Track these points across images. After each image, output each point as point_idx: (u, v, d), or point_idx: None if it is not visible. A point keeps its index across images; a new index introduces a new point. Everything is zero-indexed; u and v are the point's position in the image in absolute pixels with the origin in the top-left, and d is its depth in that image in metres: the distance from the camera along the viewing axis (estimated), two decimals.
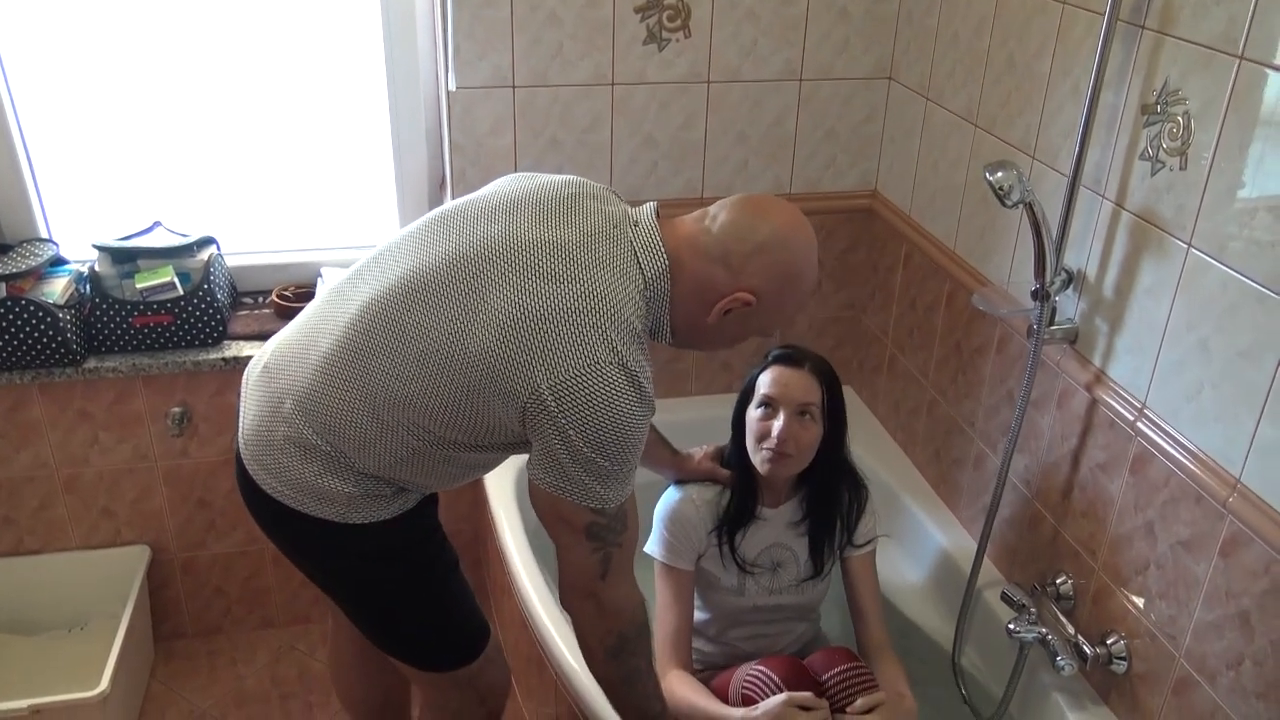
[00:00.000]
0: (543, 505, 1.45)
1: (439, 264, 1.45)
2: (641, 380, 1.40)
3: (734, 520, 1.88)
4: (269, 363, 1.57)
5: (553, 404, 1.36)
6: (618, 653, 1.53)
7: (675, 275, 1.46)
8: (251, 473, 1.54)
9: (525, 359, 1.37)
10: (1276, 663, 1.39)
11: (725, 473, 1.91)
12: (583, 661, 1.80)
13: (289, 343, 1.56)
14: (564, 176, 1.56)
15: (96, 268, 2.29)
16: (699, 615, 1.96)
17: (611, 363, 1.37)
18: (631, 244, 1.45)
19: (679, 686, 1.77)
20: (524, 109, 2.23)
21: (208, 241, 2.39)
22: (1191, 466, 1.53)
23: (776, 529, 1.90)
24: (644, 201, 1.54)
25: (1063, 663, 1.74)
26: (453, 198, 2.27)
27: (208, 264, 2.32)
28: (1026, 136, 1.88)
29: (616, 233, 1.46)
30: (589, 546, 1.45)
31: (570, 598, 1.51)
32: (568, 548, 1.47)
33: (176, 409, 2.35)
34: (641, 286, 1.44)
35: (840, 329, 2.63)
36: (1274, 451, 1.39)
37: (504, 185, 1.57)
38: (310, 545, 1.59)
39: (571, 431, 1.36)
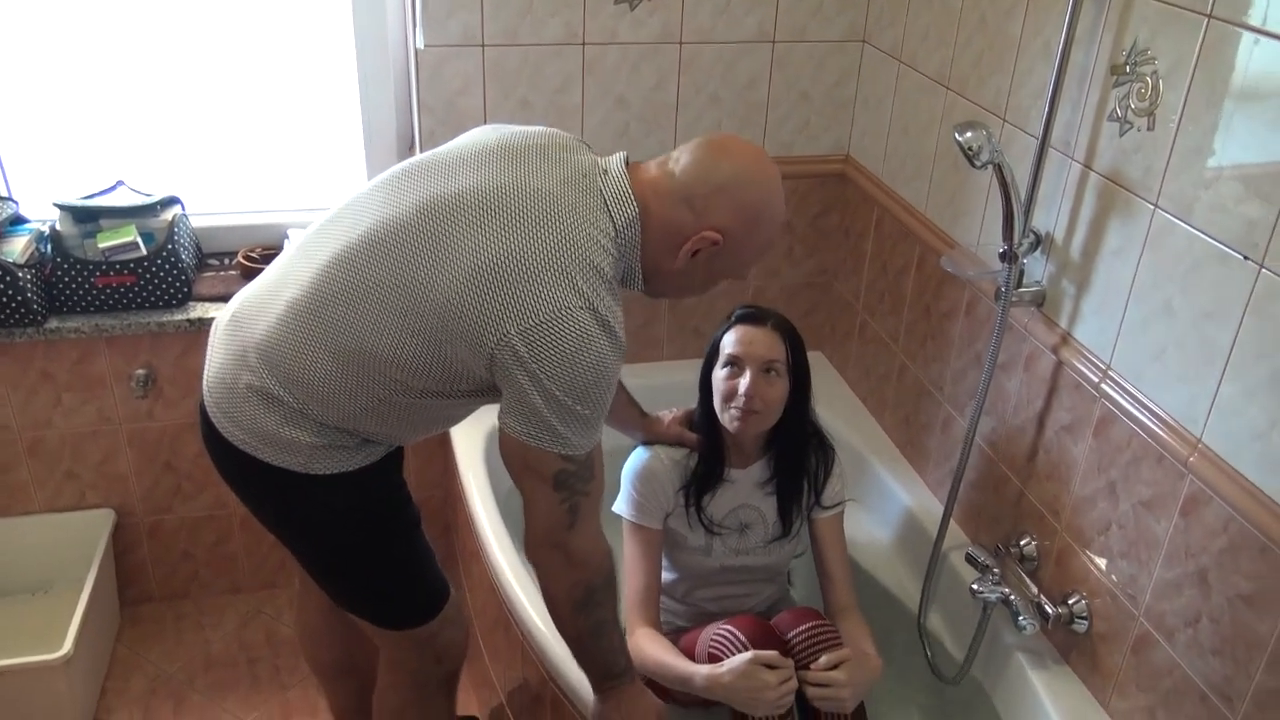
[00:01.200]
0: (511, 454, 1.44)
1: (408, 214, 1.44)
2: (612, 323, 1.40)
3: (701, 482, 1.88)
4: (236, 313, 1.56)
5: (523, 349, 1.36)
6: (584, 605, 1.52)
7: (644, 222, 1.46)
8: (214, 420, 1.53)
9: (493, 306, 1.36)
10: (1233, 619, 1.41)
11: (694, 436, 1.91)
12: (549, 624, 1.80)
13: (257, 295, 1.55)
14: (535, 127, 1.55)
15: (58, 227, 2.25)
16: (666, 576, 1.96)
17: (581, 306, 1.37)
18: (601, 193, 1.45)
19: (647, 644, 1.77)
20: (493, 69, 2.20)
21: (172, 201, 2.36)
22: (1154, 427, 1.54)
23: (744, 490, 1.91)
24: None
25: (1024, 622, 1.75)
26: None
27: (172, 224, 2.29)
28: (997, 98, 1.88)
29: (586, 182, 1.45)
30: (557, 496, 1.44)
31: (537, 550, 1.50)
32: (535, 498, 1.46)
33: (141, 371, 2.32)
34: (612, 234, 1.44)
35: (812, 294, 2.63)
36: (1234, 411, 1.40)
37: (475, 136, 1.56)
38: (272, 496, 1.59)
39: (542, 376, 1.36)
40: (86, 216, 2.26)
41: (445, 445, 2.39)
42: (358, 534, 1.61)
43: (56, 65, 2.28)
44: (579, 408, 1.39)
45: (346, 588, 1.69)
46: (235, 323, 1.55)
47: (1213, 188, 1.41)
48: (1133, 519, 1.60)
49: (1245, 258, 1.36)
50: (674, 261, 1.48)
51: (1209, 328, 1.43)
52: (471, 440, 2.26)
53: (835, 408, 2.45)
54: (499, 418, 1.43)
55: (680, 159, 1.47)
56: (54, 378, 2.30)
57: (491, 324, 1.37)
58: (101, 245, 2.23)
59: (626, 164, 1.49)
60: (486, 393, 1.49)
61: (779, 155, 2.43)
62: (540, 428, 1.39)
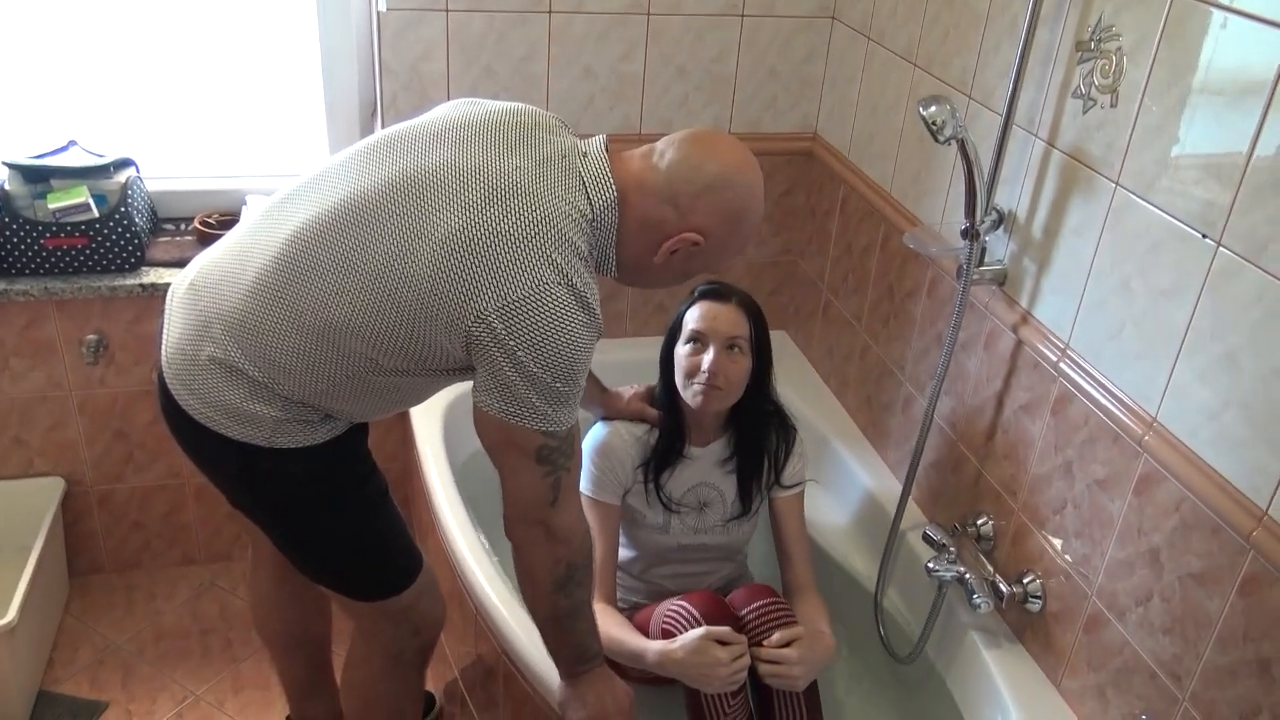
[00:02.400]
0: (491, 432, 1.41)
1: (381, 187, 1.41)
2: (589, 298, 1.38)
3: (661, 458, 1.87)
4: (195, 280, 1.52)
5: (500, 327, 1.33)
6: (565, 584, 1.49)
7: (622, 211, 1.43)
8: (174, 392, 1.49)
9: (470, 284, 1.34)
10: (1183, 598, 1.41)
11: (654, 413, 1.90)
12: (504, 598, 1.78)
13: (218, 262, 1.51)
14: (513, 104, 1.52)
15: (6, 186, 2.19)
16: (624, 553, 1.95)
17: (558, 282, 1.35)
18: (580, 175, 1.42)
19: (600, 618, 1.74)
20: (458, 34, 2.16)
21: (126, 163, 2.30)
22: (1110, 406, 1.53)
23: (704, 468, 1.89)
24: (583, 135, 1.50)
25: (979, 600, 1.75)
26: (384, 125, 2.21)
27: (125, 186, 2.24)
28: (964, 76, 1.86)
29: (565, 163, 1.43)
30: (540, 471, 1.42)
31: (518, 527, 1.47)
32: (516, 474, 1.43)
33: (92, 336, 2.28)
34: (590, 216, 1.41)
35: (778, 273, 2.62)
36: (1189, 390, 1.40)
37: (451, 110, 1.52)
38: (236, 470, 1.55)
39: (521, 353, 1.34)
40: (37, 176, 2.20)
41: (404, 418, 2.36)
42: (325, 506, 1.58)
43: (7, 19, 2.22)
44: (558, 384, 1.37)
45: (316, 560, 1.66)
46: (195, 291, 1.50)
47: (1173, 165, 1.40)
48: (1087, 498, 1.60)
49: (1204, 236, 1.35)
50: (653, 257, 1.47)
51: (1166, 307, 1.43)
52: (430, 413, 2.23)
53: (798, 387, 2.44)
54: (475, 396, 1.40)
55: (666, 154, 1.45)
56: (1, 342, 2.25)
57: (468, 302, 1.34)
58: (52, 206, 2.17)
59: (606, 148, 1.47)
60: (458, 371, 1.46)
61: (746, 131, 2.41)
62: (521, 405, 1.37)
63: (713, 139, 1.47)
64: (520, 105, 1.51)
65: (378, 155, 1.46)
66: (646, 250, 1.47)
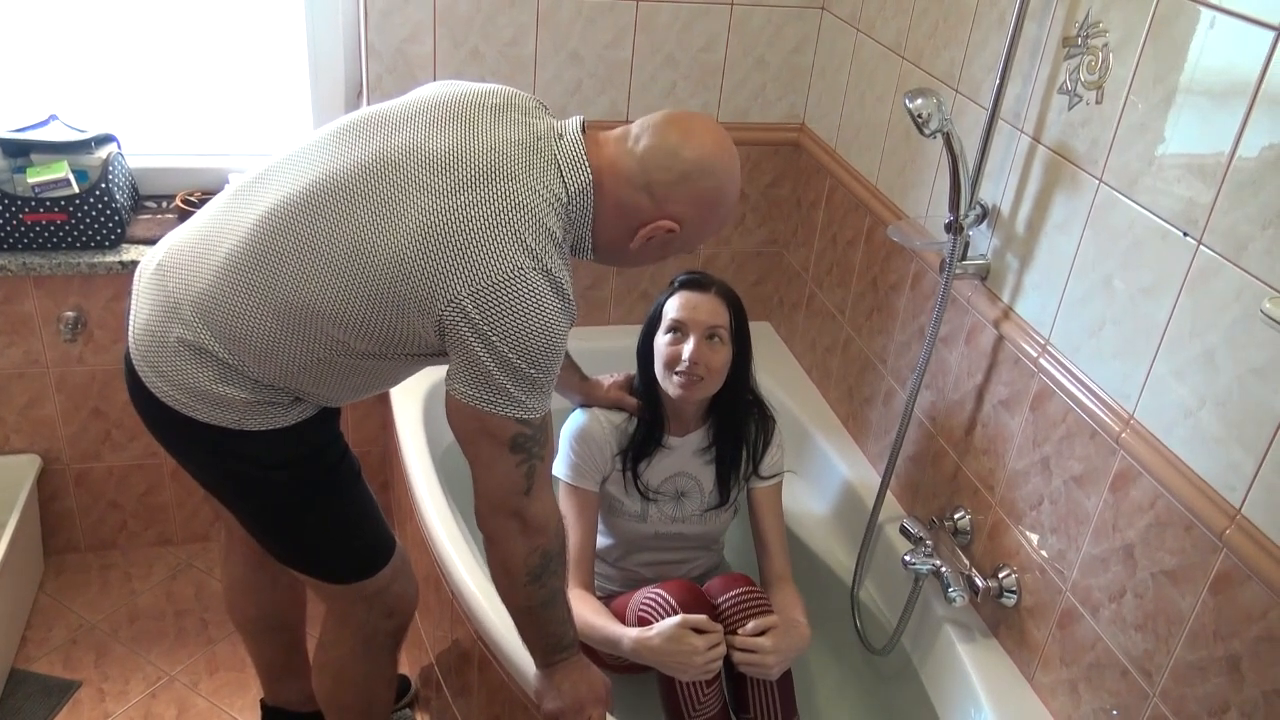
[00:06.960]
0: (464, 421, 1.39)
1: (354, 169, 1.39)
2: (563, 283, 1.37)
3: (639, 447, 1.87)
4: (163, 261, 1.50)
5: (474, 312, 1.32)
6: (540, 574, 1.48)
7: (597, 195, 1.42)
8: (141, 374, 1.47)
9: (443, 268, 1.32)
10: (1156, 594, 1.42)
11: (634, 401, 1.89)
12: (481, 584, 1.78)
13: (187, 242, 1.49)
14: (490, 85, 1.50)
15: None
16: (601, 540, 1.95)
17: (533, 268, 1.33)
18: (555, 157, 1.41)
19: (577, 605, 1.74)
20: (445, 16, 2.15)
21: (107, 139, 2.28)
22: (1088, 403, 1.54)
23: (682, 457, 1.89)
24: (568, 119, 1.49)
25: (954, 593, 1.76)
26: (369, 105, 2.19)
27: (106, 162, 2.22)
28: (951, 69, 1.86)
29: (540, 145, 1.41)
30: (514, 460, 1.40)
31: (492, 518, 1.45)
32: (490, 464, 1.41)
33: (70, 313, 2.26)
34: (564, 200, 1.40)
35: (762, 264, 2.61)
36: (1166, 388, 1.40)
37: (426, 92, 1.50)
38: (205, 453, 1.54)
39: (495, 338, 1.32)
40: (16, 150, 2.18)
41: (384, 401, 2.35)
42: (296, 489, 1.57)
43: None
44: (532, 371, 1.35)
45: (288, 544, 1.64)
46: (162, 272, 1.48)
47: (1156, 163, 1.40)
48: (1064, 494, 1.60)
49: (1185, 234, 1.35)
50: (629, 243, 1.46)
51: (1146, 304, 1.43)
52: (410, 397, 2.22)
53: (780, 378, 2.45)
54: (448, 384, 1.39)
55: (641, 139, 1.43)
56: None
57: (441, 286, 1.33)
58: (31, 180, 2.15)
59: (583, 129, 1.45)
60: (431, 356, 1.45)
61: (734, 121, 2.41)
62: (494, 392, 1.35)
63: (688, 123, 1.45)
64: (497, 86, 1.50)
65: (352, 136, 1.44)
66: (623, 236, 1.46)
